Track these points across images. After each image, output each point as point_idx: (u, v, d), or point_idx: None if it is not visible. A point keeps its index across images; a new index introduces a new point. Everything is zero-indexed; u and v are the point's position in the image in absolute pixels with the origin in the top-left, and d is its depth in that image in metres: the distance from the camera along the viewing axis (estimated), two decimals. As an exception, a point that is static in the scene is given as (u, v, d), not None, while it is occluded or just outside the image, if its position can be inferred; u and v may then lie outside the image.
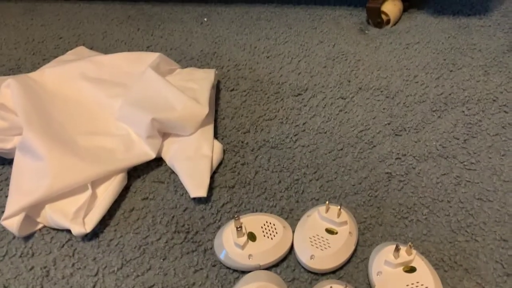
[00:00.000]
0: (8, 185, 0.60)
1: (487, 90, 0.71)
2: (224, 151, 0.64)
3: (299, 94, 0.72)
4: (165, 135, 0.64)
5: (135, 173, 0.61)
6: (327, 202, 0.50)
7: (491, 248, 0.50)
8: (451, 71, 0.75)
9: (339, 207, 0.49)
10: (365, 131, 0.66)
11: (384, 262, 0.46)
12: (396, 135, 0.65)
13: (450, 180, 0.58)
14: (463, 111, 0.68)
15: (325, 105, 0.70)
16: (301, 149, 0.64)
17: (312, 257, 0.48)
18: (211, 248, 0.52)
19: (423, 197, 0.57)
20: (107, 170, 0.57)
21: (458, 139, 0.64)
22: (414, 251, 0.46)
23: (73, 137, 0.60)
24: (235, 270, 0.50)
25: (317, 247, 0.48)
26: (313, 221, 0.51)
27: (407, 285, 0.45)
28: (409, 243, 0.45)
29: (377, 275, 0.46)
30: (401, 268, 0.46)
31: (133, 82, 0.66)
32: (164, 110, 0.61)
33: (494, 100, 0.69)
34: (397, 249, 0.45)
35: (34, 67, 0.83)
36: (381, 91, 0.72)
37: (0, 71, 0.84)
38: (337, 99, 0.71)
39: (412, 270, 0.46)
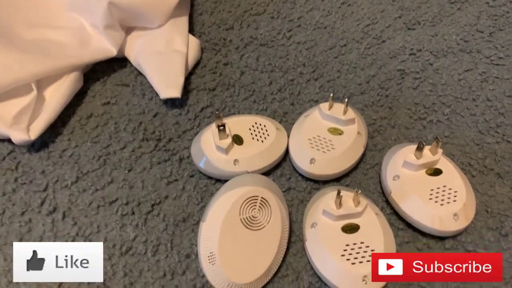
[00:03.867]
0: None
1: (515, -21, 0.59)
2: (202, 50, 0.52)
3: (293, -14, 0.60)
4: (129, 30, 0.52)
5: (93, 75, 0.50)
6: (331, 95, 0.40)
7: (527, 149, 0.42)
8: (472, -42, 0.63)
9: (345, 101, 0.39)
10: (372, 26, 0.55)
11: (403, 163, 0.37)
12: (409, 29, 0.54)
13: (475, 77, 0.49)
14: (487, 2, 0.57)
15: (324, -3, 0.58)
16: (296, 46, 0.53)
17: (312, 161, 0.39)
18: (187, 157, 0.43)
19: (444, 96, 0.47)
20: (57, 66, 0.45)
21: (482, 32, 0.53)
22: (440, 150, 0.37)
23: (15, 29, 0.48)
24: (218, 180, 0.41)
25: (318, 150, 0.39)
26: (313, 121, 0.41)
27: (432, 190, 0.36)
28: (436, 139, 0.36)
29: (394, 179, 0.37)
30: (424, 170, 0.37)
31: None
32: (125, -7, 0.48)
33: (524, -10, 0.58)
34: (420, 148, 0.36)
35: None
36: (390, -18, 0.60)
37: None
38: (338, -10, 0.59)
39: (437, 172, 0.37)
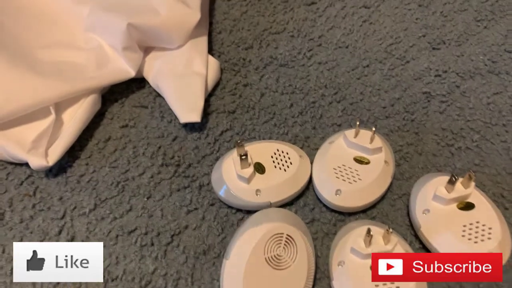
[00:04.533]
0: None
1: (543, -5, 0.57)
2: (221, 70, 0.51)
3: (313, 3, 0.59)
4: (147, 50, 0.51)
5: (111, 96, 0.49)
6: (357, 123, 0.39)
7: None
8: (497, -26, 0.61)
9: (373, 129, 0.38)
10: (395, 45, 0.53)
11: (433, 197, 0.36)
12: (433, 48, 0.53)
13: (505, 100, 0.47)
14: (515, 20, 0.55)
15: (345, 15, 0.57)
16: (317, 67, 0.51)
17: (337, 192, 0.37)
18: (208, 184, 0.42)
19: (472, 120, 0.45)
20: (75, 89, 0.45)
21: (510, 52, 0.51)
22: (472, 184, 0.35)
23: (31, 50, 0.48)
24: (238, 210, 0.39)
25: (343, 180, 0.38)
26: (338, 148, 0.40)
27: (465, 226, 0.34)
28: (469, 172, 0.34)
29: (424, 213, 0.36)
30: (455, 204, 0.35)
31: (105, -17, 0.52)
32: (144, 14, 0.47)
33: (553, 7, 0.56)
34: (452, 181, 0.34)
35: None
36: (413, -1, 0.58)
37: None
38: (360, 8, 0.58)
39: (469, 206, 0.35)
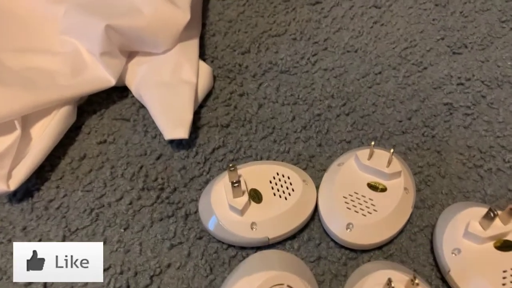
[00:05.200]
0: None
1: None
2: (214, 77, 0.45)
3: (318, 3, 0.53)
4: (131, 55, 0.45)
5: (89, 107, 0.43)
6: (372, 144, 0.32)
7: None
8: (523, -30, 0.55)
9: (391, 150, 0.32)
10: (410, 49, 0.47)
11: (464, 233, 0.30)
12: (454, 53, 0.47)
13: (540, 113, 0.41)
14: (545, 21, 0.49)
15: (353, 15, 0.51)
16: (323, 74, 0.45)
17: (349, 226, 0.31)
18: (195, 212, 0.36)
19: (503, 137, 0.39)
20: (44, 99, 0.39)
21: (543, 57, 0.45)
22: (512, 218, 0.29)
23: (-1, 55, 0.42)
24: (230, 246, 0.33)
25: (356, 211, 0.32)
26: (348, 172, 0.34)
27: (505, 271, 0.28)
28: (511, 204, 0.28)
29: (453, 253, 0.30)
30: (492, 243, 0.29)
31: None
32: (125, 15, 0.41)
33: None
34: (490, 216, 0.28)
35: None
36: (429, -3, 0.52)
37: None
38: (370, 8, 0.52)
39: (509, 246, 0.29)
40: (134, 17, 0.42)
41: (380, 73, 0.45)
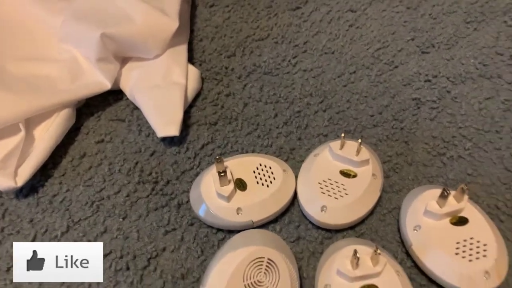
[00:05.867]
0: None
1: (534, -5, 0.56)
2: (202, 79, 0.49)
3: (298, 8, 0.57)
4: (124, 60, 0.49)
5: (87, 109, 0.47)
6: (342, 135, 0.36)
7: (560, 189, 0.38)
8: (487, -26, 0.60)
9: (359, 141, 0.36)
10: (383, 49, 0.51)
11: (424, 212, 0.34)
12: (422, 52, 0.51)
13: (497, 105, 0.45)
14: (505, 21, 0.53)
15: (330, 19, 0.55)
16: (303, 74, 0.49)
17: (323, 208, 0.35)
18: (187, 202, 0.39)
19: (464, 127, 0.43)
20: (46, 103, 0.42)
21: (502, 55, 0.49)
22: (465, 197, 0.33)
23: (3, 63, 0.45)
24: (219, 230, 0.37)
25: (329, 195, 0.36)
26: (323, 161, 0.38)
27: (458, 243, 0.32)
28: (462, 186, 0.32)
29: (414, 230, 0.34)
30: (448, 219, 0.33)
31: (78, -8, 0.49)
32: (118, 23, 0.45)
33: (544, 7, 0.54)
34: (444, 195, 0.32)
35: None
36: (400, 1, 0.57)
37: None
38: (346, 12, 0.56)
39: (462, 221, 0.33)
40: (127, 26, 0.45)
41: (354, 72, 0.49)
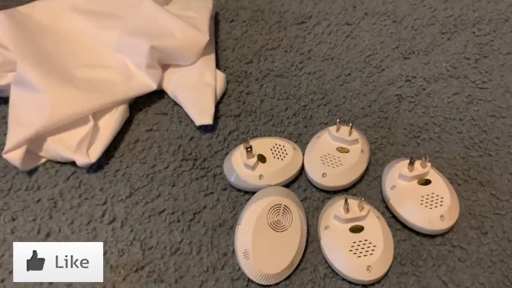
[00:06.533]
0: (5, 123, 0.58)
1: (498, 10, 0.68)
2: (227, 82, 0.61)
3: (303, 22, 0.69)
4: (165, 66, 0.61)
5: (136, 106, 0.59)
6: (338, 120, 0.49)
7: (505, 161, 0.50)
8: (460, -7, 0.72)
9: (350, 125, 0.48)
10: (373, 56, 0.63)
11: (398, 176, 0.45)
12: (405, 58, 0.63)
13: (462, 99, 0.57)
14: (474, 32, 0.65)
15: (330, 32, 0.67)
16: (307, 76, 0.62)
17: (324, 175, 0.47)
18: (220, 174, 0.51)
19: (435, 117, 0.55)
20: (107, 101, 0.55)
21: (469, 59, 0.61)
22: (428, 164, 0.45)
23: (70, 69, 0.58)
24: (246, 192, 0.49)
25: (328, 165, 0.47)
26: (323, 141, 0.50)
27: (422, 197, 0.44)
28: (425, 155, 0.44)
29: (391, 189, 0.46)
30: (416, 181, 0.45)
31: (128, 12, 0.62)
32: (164, 38, 0.58)
33: (505, 20, 0.66)
34: (411, 162, 0.44)
35: (22, 2, 0.78)
36: (388, 16, 0.69)
37: (-14, 13, 0.80)
38: (343, 25, 0.68)
39: (427, 182, 0.45)
40: (170, 39, 0.58)
41: (349, 74, 0.61)
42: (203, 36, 0.59)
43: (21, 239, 0.46)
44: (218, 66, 0.63)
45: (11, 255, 0.45)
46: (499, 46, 0.63)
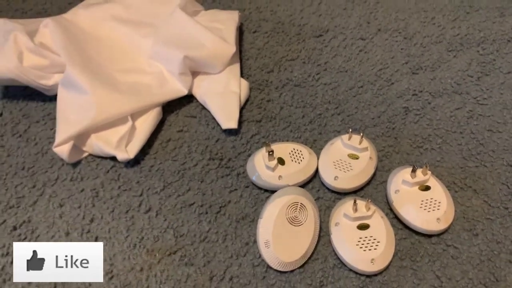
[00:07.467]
0: (51, 119, 0.65)
1: (502, 31, 0.73)
2: (250, 89, 0.68)
3: (320, 35, 0.75)
4: (194, 73, 0.67)
5: (168, 108, 0.66)
6: (350, 130, 0.55)
7: (498, 172, 0.56)
8: (467, 13, 0.77)
9: (361, 134, 0.54)
10: (383, 70, 0.69)
11: (402, 181, 0.52)
12: (413, 73, 0.69)
13: (463, 114, 0.63)
14: (478, 51, 0.71)
15: (345, 45, 0.73)
16: (323, 87, 0.68)
17: (336, 178, 0.53)
18: (243, 173, 0.58)
19: (437, 129, 0.61)
20: (144, 103, 0.61)
21: (472, 76, 0.67)
22: (429, 172, 0.51)
23: (112, 73, 0.64)
24: (266, 190, 0.56)
25: (340, 170, 0.54)
26: (336, 148, 0.56)
27: (422, 201, 0.50)
28: (425, 164, 0.50)
29: (395, 193, 0.52)
30: (417, 187, 0.51)
31: (162, 22, 0.69)
32: (195, 48, 0.64)
33: (508, 41, 0.72)
34: (413, 170, 0.50)
35: (61, 11, 0.85)
36: (399, 32, 0.75)
37: (28, 15, 0.87)
38: (357, 40, 0.74)
39: (427, 188, 0.51)
40: (201, 50, 0.64)
41: (362, 86, 0.67)
42: (231, 48, 0.65)
43: (68, 224, 0.54)
44: (242, 74, 0.69)
45: (60, 236, 0.52)
46: (501, 65, 0.68)
